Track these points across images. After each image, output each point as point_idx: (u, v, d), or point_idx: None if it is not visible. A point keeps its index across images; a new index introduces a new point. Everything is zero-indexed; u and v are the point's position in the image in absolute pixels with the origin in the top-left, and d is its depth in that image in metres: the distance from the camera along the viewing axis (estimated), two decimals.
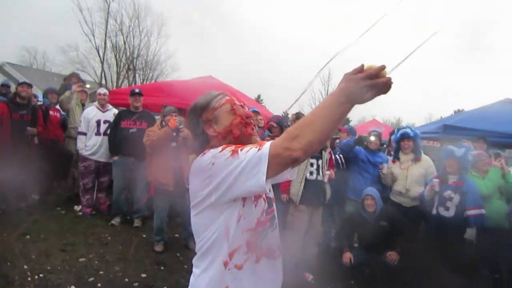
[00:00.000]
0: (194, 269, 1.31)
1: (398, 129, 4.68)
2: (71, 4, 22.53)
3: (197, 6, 47.24)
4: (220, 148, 1.18)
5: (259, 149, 1.08)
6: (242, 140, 1.32)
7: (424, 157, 4.46)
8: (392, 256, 3.81)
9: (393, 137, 4.81)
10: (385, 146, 5.89)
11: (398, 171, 4.42)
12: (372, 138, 4.79)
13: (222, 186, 1.13)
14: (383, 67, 1.03)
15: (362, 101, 1.04)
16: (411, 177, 4.31)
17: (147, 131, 4.26)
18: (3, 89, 6.06)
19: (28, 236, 4.21)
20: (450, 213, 3.70)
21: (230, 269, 1.21)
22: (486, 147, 4.91)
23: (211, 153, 1.18)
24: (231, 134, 1.31)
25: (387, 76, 1.03)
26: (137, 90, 5.08)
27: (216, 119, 1.33)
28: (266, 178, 1.05)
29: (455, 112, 26.60)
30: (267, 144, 1.08)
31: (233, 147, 1.16)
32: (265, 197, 1.33)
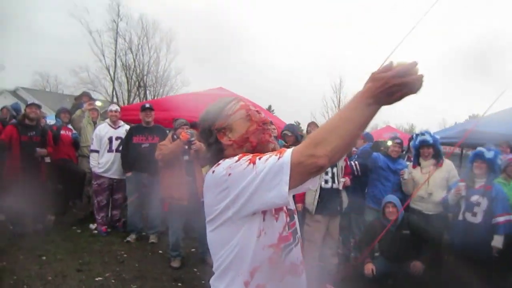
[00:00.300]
0: None
1: (417, 135, 4.54)
2: (80, 28, 23.06)
3: (205, 21, 47.54)
4: (236, 158, 1.09)
5: (279, 157, 0.99)
6: (259, 148, 1.23)
7: (446, 161, 4.31)
8: (416, 266, 3.64)
9: (411, 143, 4.66)
10: (404, 152, 5.71)
11: (420, 176, 4.26)
12: (390, 142, 4.65)
13: (240, 199, 1.04)
14: (415, 64, 0.94)
15: (391, 101, 0.96)
16: (434, 181, 4.14)
17: (158, 145, 4.22)
18: (14, 112, 6.12)
19: (44, 258, 4.17)
20: (478, 219, 3.51)
21: None
22: (510, 151, 4.72)
23: (226, 163, 1.10)
24: (248, 142, 1.23)
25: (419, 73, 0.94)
26: (147, 105, 5.07)
27: (231, 126, 1.24)
28: (289, 189, 0.97)
29: (469, 117, 26.14)
30: (288, 152, 0.99)
31: (250, 156, 1.08)
32: (286, 210, 1.23)
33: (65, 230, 5.13)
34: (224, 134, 1.24)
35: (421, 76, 0.93)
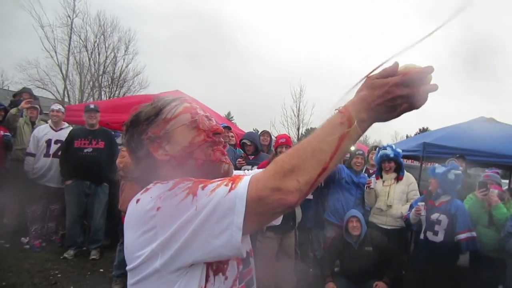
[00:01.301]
0: None
1: (379, 149, 4.45)
2: (31, 20, 21.45)
3: (168, 21, 46.39)
4: (170, 184, 0.79)
5: (231, 188, 0.72)
6: (207, 169, 0.91)
7: (406, 174, 4.26)
8: (380, 287, 3.48)
9: (374, 157, 4.57)
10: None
11: (381, 188, 4.18)
12: (353, 148, 4.49)
13: (172, 245, 0.73)
14: (431, 69, 0.70)
15: (389, 118, 0.74)
16: (393, 193, 4.08)
17: (121, 152, 3.71)
18: None
19: None
20: (439, 237, 3.41)
21: None
22: (466, 166, 4.77)
23: (156, 190, 0.79)
24: (192, 159, 0.90)
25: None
26: (92, 106, 4.58)
27: (169, 136, 0.91)
28: (243, 234, 0.70)
29: (420, 130, 27.38)
30: (245, 181, 0.72)
31: (191, 183, 0.78)
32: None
33: None
34: (159, 146, 0.90)
35: (435, 87, 0.70)
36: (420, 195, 4.02)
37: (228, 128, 4.73)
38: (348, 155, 4.51)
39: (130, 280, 0.83)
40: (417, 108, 0.73)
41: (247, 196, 0.70)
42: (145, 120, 0.93)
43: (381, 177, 4.28)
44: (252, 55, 55.11)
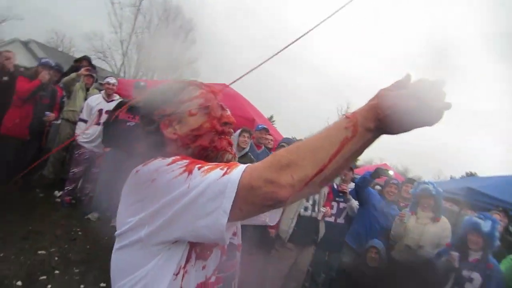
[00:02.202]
0: None
1: (419, 183, 4.20)
2: None
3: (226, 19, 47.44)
4: (169, 160, 0.81)
5: (225, 173, 0.73)
6: (211, 155, 0.93)
7: (442, 217, 3.94)
8: None
9: (411, 190, 4.32)
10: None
11: (413, 225, 3.89)
12: (391, 172, 4.28)
13: (159, 217, 0.75)
14: (443, 83, 0.68)
15: (398, 130, 0.71)
16: (428, 234, 3.77)
17: None
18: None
19: None
20: None
21: None
22: (508, 222, 4.38)
23: (155, 164, 0.81)
24: (197, 142, 0.92)
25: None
26: (142, 83, 4.77)
27: (180, 116, 0.93)
28: (229, 220, 0.70)
29: (467, 174, 25.69)
30: (240, 168, 0.73)
31: (188, 160, 0.79)
32: (225, 245, 0.94)
33: (27, 191, 4.78)
34: (169, 124, 0.94)
35: (448, 105, 0.68)
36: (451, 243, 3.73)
37: (266, 130, 4.71)
38: (381, 184, 4.32)
39: (116, 245, 0.87)
40: (430, 125, 0.70)
41: (240, 182, 0.70)
42: (161, 97, 0.96)
43: (416, 214, 4.00)
44: (304, 62, 54.74)
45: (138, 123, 4.28)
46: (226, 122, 0.97)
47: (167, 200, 0.74)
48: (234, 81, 1.87)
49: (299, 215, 3.74)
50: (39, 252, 3.40)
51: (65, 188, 4.86)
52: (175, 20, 25.11)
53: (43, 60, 4.82)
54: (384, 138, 0.75)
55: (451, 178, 23.96)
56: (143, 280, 0.79)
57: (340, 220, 4.37)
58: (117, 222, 0.86)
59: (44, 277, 3.04)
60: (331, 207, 4.08)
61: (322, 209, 3.81)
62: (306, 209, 3.77)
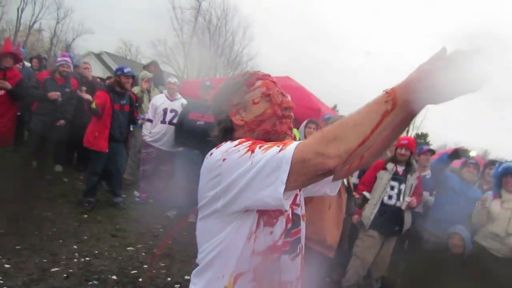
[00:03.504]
0: (190, 286, 1.09)
1: (500, 163, 3.82)
2: (165, 2, 24.00)
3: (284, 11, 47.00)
4: (236, 142, 0.94)
5: (281, 149, 0.83)
6: (273, 138, 1.06)
7: None
8: None
9: (492, 171, 3.93)
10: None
11: (498, 210, 3.57)
12: (474, 153, 3.93)
13: (231, 190, 0.90)
14: (477, 52, 0.70)
15: (438, 100, 0.76)
16: None
17: None
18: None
19: (85, 216, 4.24)
20: None
21: None
22: None
23: (225, 146, 0.95)
24: (261, 127, 1.06)
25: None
26: (207, 83, 4.89)
27: (246, 104, 1.07)
28: (287, 190, 0.81)
29: None
30: (293, 145, 0.83)
31: (251, 141, 0.92)
32: (290, 214, 1.05)
33: (110, 192, 5.21)
34: (237, 112, 1.08)
35: (485, 73, 0.70)
36: None
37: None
38: (472, 153, 3.93)
39: (199, 216, 1.04)
40: (473, 91, 0.73)
41: (293, 156, 0.80)
42: (230, 89, 1.10)
43: (500, 197, 3.66)
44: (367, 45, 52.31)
45: (208, 122, 4.48)
46: (286, 107, 1.09)
47: (235, 175, 0.87)
48: None
49: (382, 202, 3.66)
50: (128, 248, 3.69)
51: (140, 186, 5.23)
52: (233, 18, 25.62)
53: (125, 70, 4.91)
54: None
55: None
56: (221, 244, 0.96)
57: (418, 209, 4.19)
58: (198, 197, 1.01)
59: (135, 271, 3.30)
60: (419, 201, 3.88)
61: (407, 199, 3.66)
62: (390, 197, 3.68)
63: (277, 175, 0.81)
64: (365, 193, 3.47)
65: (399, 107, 0.76)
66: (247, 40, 25.99)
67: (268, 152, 0.84)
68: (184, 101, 5.26)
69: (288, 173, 0.80)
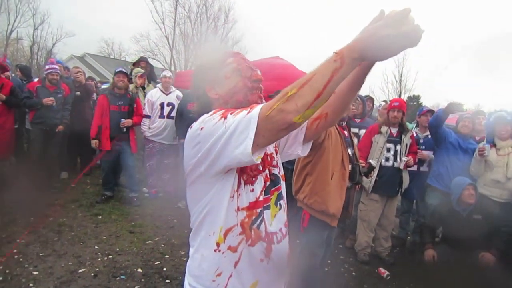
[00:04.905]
0: (190, 249, 1.22)
1: (491, 113, 3.96)
2: None
3: None
4: (211, 112, 1.05)
5: (248, 112, 0.94)
6: (244, 107, 1.11)
7: None
8: (486, 257, 3.26)
9: (484, 122, 4.08)
10: None
11: (495, 158, 3.73)
12: (465, 107, 4.05)
13: (210, 154, 1.01)
14: (408, 11, 0.84)
15: (384, 56, 0.90)
16: None
17: None
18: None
19: (100, 217, 4.36)
20: None
21: (223, 251, 1.11)
22: None
23: (202, 117, 1.06)
24: (234, 98, 1.17)
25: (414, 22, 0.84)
26: None
27: (219, 80, 1.20)
28: (258, 146, 0.94)
29: None
30: (258, 107, 0.95)
31: (223, 110, 1.04)
32: (268, 174, 1.19)
33: (121, 192, 5.32)
34: (212, 87, 1.20)
35: (418, 27, 0.84)
36: None
37: None
38: (463, 106, 4.05)
39: (187, 184, 1.15)
40: (414, 45, 0.86)
41: (259, 116, 0.91)
42: (205, 67, 1.25)
43: (495, 145, 3.81)
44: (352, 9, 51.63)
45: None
46: (256, 80, 1.20)
47: (213, 140, 0.98)
48: None
49: (380, 165, 3.79)
50: (147, 242, 3.82)
51: (148, 182, 5.33)
52: (213, 3, 25.15)
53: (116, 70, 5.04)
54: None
55: None
56: (209, 205, 1.09)
57: (424, 169, 4.34)
58: (184, 166, 1.11)
59: (158, 262, 3.44)
60: (415, 159, 4.02)
61: (404, 158, 3.79)
62: (387, 159, 3.82)
63: (247, 133, 0.92)
64: (371, 161, 3.57)
65: (347, 64, 0.87)
66: (230, 23, 25.59)
67: (238, 116, 0.95)
68: (179, 93, 5.30)
69: (256, 131, 0.91)
